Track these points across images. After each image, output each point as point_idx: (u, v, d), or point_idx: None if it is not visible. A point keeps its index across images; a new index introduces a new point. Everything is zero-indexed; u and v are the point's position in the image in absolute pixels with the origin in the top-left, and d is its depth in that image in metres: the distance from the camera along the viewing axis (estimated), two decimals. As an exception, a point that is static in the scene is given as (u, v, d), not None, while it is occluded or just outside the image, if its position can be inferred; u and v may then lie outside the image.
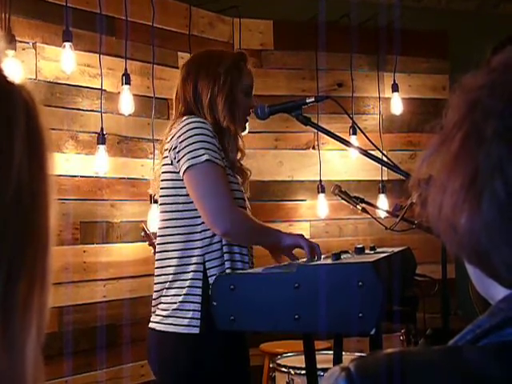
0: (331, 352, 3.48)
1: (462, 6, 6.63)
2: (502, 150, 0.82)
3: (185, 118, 2.89)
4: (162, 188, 2.94)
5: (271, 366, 4.15)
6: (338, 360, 3.00)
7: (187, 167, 2.77)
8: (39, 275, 0.80)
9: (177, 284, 2.84)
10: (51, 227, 0.82)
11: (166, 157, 2.90)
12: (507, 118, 0.84)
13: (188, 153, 2.78)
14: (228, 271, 2.80)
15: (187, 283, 2.81)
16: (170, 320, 2.81)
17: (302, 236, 2.96)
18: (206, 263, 2.82)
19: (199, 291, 2.78)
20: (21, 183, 0.76)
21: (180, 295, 2.81)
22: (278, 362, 4.06)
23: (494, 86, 0.87)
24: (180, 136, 2.82)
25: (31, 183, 0.78)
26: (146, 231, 4.37)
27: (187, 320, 2.76)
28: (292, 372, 3.86)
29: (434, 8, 6.59)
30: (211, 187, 2.78)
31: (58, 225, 4.46)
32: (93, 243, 4.76)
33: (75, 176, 4.66)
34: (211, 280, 2.75)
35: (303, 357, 3.02)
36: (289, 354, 4.23)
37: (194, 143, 2.78)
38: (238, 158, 3.04)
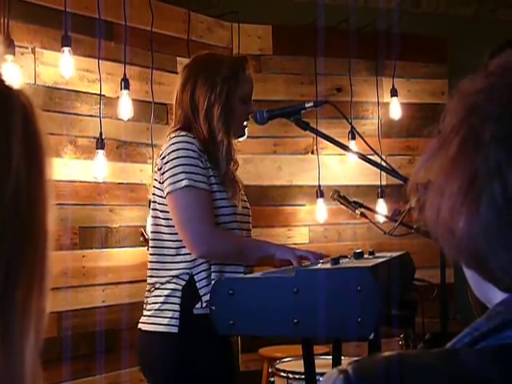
0: (330, 357, 3.48)
1: (461, 12, 6.64)
2: (500, 154, 0.82)
3: (173, 135, 2.95)
4: (153, 201, 3.02)
5: (270, 370, 4.14)
6: (337, 365, 2.99)
7: (168, 192, 2.87)
8: (38, 279, 0.80)
9: (162, 286, 2.93)
10: (49, 231, 0.83)
11: (156, 172, 2.99)
12: (505, 122, 0.84)
13: (169, 177, 2.87)
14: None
15: (171, 286, 2.91)
16: (152, 320, 2.92)
17: (294, 250, 3.00)
18: (195, 276, 2.91)
19: (179, 294, 2.88)
20: (19, 186, 0.76)
21: (161, 296, 2.91)
22: (277, 366, 4.04)
23: (492, 90, 0.87)
24: (164, 157, 2.90)
25: (29, 187, 0.78)
26: (144, 236, 4.37)
27: (167, 320, 2.87)
28: (291, 377, 3.85)
29: (433, 13, 6.60)
30: (189, 213, 2.87)
31: (56, 230, 4.45)
32: (92, 248, 4.76)
33: (74, 181, 4.65)
34: (199, 285, 2.89)
35: (302, 361, 3.01)
36: (288, 359, 4.22)
37: (175, 167, 2.86)
38: (232, 168, 3.06)
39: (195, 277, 2.89)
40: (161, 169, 2.91)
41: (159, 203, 2.97)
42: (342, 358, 3.25)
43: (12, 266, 0.76)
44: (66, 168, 4.60)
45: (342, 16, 5.89)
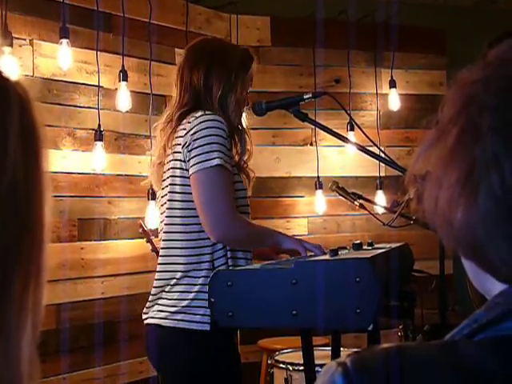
0: (329, 348, 3.49)
1: (460, 2, 6.63)
2: (497, 145, 0.82)
3: (200, 113, 2.84)
4: (171, 184, 2.90)
5: (269, 362, 4.15)
6: (336, 356, 3.00)
7: (197, 170, 2.76)
8: (34, 271, 0.80)
9: (185, 281, 2.82)
10: (46, 223, 0.82)
11: (179, 152, 2.86)
12: (502, 112, 0.83)
13: (200, 154, 2.76)
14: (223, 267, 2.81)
15: (199, 281, 2.80)
16: (179, 316, 2.79)
17: (302, 242, 2.97)
18: (215, 262, 2.83)
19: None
20: (16, 178, 0.76)
21: (191, 292, 2.80)
22: (276, 358, 4.06)
23: (490, 80, 0.87)
24: (194, 133, 2.79)
25: (26, 179, 0.78)
26: (143, 228, 4.37)
27: (198, 317, 2.75)
28: (290, 368, 3.86)
29: (432, 4, 6.58)
30: (215, 194, 2.77)
31: (55, 222, 4.46)
32: (90, 240, 4.76)
33: (72, 173, 4.65)
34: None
35: (301, 353, 3.02)
36: (287, 350, 4.23)
37: (207, 144, 2.76)
38: (245, 158, 3.04)
39: (215, 262, 2.81)
40: (189, 145, 2.79)
41: (179, 184, 2.86)
42: (341, 349, 3.26)
43: (9, 258, 0.76)
44: (64, 160, 4.60)
45: (340, 7, 5.88)
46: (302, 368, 3.59)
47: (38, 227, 0.81)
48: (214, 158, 2.74)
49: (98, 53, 4.79)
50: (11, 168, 0.75)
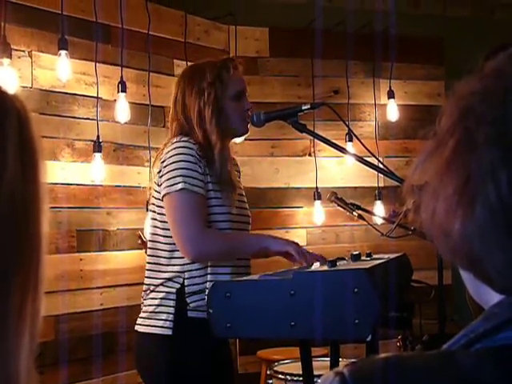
0: (328, 359, 3.48)
1: (458, 13, 6.64)
2: (494, 156, 0.82)
3: (174, 140, 3.01)
4: (152, 204, 3.09)
5: (268, 372, 4.14)
6: (334, 366, 2.98)
7: (164, 194, 2.95)
8: (33, 283, 0.80)
9: (157, 289, 3.00)
10: (44, 235, 0.83)
11: (156, 175, 3.05)
12: (499, 123, 0.84)
13: (167, 180, 2.94)
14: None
15: (165, 289, 2.98)
16: (147, 321, 3.00)
17: (292, 243, 3.01)
18: (186, 280, 2.97)
19: (174, 296, 2.95)
20: (14, 191, 0.76)
21: (156, 298, 2.99)
22: (275, 368, 4.05)
23: (486, 92, 0.87)
24: (164, 161, 2.98)
25: (24, 191, 0.78)
26: (142, 239, 4.37)
27: (161, 322, 2.94)
28: (289, 379, 3.85)
29: (430, 14, 6.60)
30: (182, 215, 2.93)
31: (54, 233, 4.46)
32: (89, 251, 4.75)
33: (71, 184, 4.65)
34: (187, 289, 2.96)
35: (300, 363, 3.01)
36: (286, 361, 4.22)
37: (172, 170, 2.93)
38: (228, 168, 3.08)
39: (186, 281, 2.95)
40: (160, 172, 2.98)
41: (157, 205, 3.03)
42: (340, 359, 3.25)
43: (7, 270, 0.76)
44: (63, 171, 4.60)
45: (338, 18, 5.89)
46: (300, 379, 3.58)
47: (36, 238, 0.81)
48: (179, 183, 2.91)
49: (97, 64, 4.80)
50: (10, 181, 0.75)
